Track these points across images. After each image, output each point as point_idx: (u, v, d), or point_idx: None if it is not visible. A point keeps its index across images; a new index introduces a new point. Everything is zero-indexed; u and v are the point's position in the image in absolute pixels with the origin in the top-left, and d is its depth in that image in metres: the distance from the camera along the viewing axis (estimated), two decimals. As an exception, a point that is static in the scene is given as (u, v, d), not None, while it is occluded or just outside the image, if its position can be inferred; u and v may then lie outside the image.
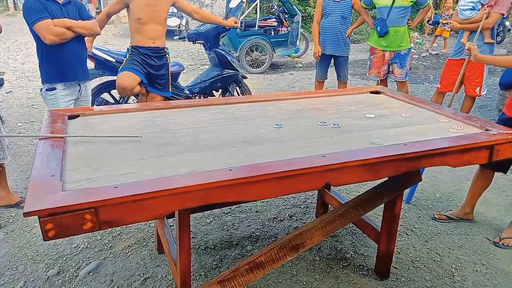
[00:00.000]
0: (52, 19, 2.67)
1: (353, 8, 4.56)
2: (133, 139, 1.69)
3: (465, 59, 3.94)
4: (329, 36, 4.59)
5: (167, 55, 3.62)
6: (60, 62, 2.82)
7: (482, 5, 3.77)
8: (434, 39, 10.54)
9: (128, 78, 3.41)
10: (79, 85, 3.00)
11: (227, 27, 4.14)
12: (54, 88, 2.87)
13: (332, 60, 4.79)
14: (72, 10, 2.83)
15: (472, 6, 3.83)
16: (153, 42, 3.47)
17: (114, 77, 3.88)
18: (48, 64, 2.83)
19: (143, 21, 3.38)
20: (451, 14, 8.63)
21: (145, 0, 3.35)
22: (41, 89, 2.94)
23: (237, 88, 4.52)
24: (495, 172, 2.62)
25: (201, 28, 4.44)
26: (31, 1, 2.67)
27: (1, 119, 2.74)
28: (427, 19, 9.87)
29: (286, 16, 9.04)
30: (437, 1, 12.39)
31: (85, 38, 3.17)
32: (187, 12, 3.73)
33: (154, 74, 3.56)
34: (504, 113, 2.47)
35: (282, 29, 9.26)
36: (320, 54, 4.69)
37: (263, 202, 2.96)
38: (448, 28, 9.36)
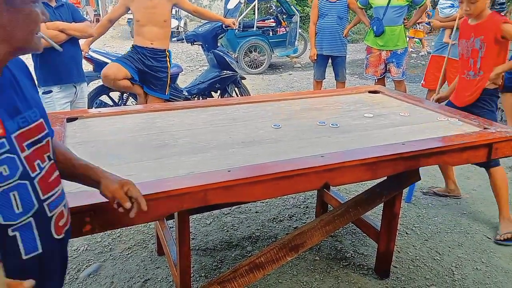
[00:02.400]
0: (44, 22, 2.68)
1: (349, 8, 4.56)
2: (132, 142, 1.69)
3: (444, 56, 3.96)
4: (327, 37, 4.57)
5: (167, 57, 3.60)
6: (55, 64, 2.82)
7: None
8: (410, 41, 10.07)
9: (112, 68, 3.44)
10: (75, 87, 3.00)
11: (226, 27, 4.13)
12: (50, 91, 2.87)
13: (330, 60, 4.78)
14: (65, 13, 2.84)
15: (451, 4, 3.86)
16: (151, 43, 3.48)
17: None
18: (43, 67, 2.84)
19: (141, 23, 3.43)
20: (427, 14, 8.52)
21: (143, 3, 3.38)
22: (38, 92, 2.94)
23: (236, 89, 4.52)
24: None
25: (199, 29, 4.44)
26: None
27: None
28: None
29: (284, 16, 9.04)
30: (435, 0, 12.42)
31: (84, 40, 3.20)
32: (188, 11, 3.77)
33: (151, 74, 3.55)
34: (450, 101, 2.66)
35: (281, 29, 9.27)
36: (315, 57, 4.67)
37: (263, 202, 2.96)
38: (421, 28, 9.19)
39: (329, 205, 2.66)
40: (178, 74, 4.32)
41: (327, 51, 4.64)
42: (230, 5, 6.80)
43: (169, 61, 3.63)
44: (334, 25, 4.52)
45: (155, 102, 3.59)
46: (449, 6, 3.87)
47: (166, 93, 3.68)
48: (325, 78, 4.92)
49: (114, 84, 3.47)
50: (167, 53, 3.58)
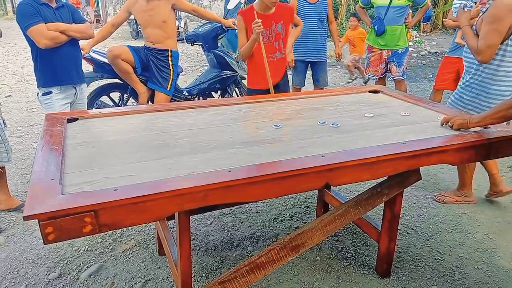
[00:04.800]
0: (45, 23, 2.69)
1: (328, 9, 4.29)
2: (132, 142, 1.69)
3: (459, 57, 3.96)
4: (308, 41, 4.24)
5: (170, 57, 3.68)
6: (55, 66, 2.83)
7: (475, 3, 3.78)
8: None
9: (119, 47, 3.62)
10: (75, 88, 3.02)
11: (226, 28, 4.16)
12: (50, 92, 2.88)
13: (310, 66, 4.47)
14: (65, 14, 2.86)
15: (465, 4, 3.83)
16: (153, 44, 3.65)
17: (113, 80, 3.89)
18: (43, 68, 2.84)
19: (143, 25, 3.64)
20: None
21: (142, 6, 3.52)
22: (38, 93, 2.95)
23: (236, 89, 4.52)
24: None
25: (200, 30, 4.44)
26: (24, 6, 2.69)
27: (4, 122, 2.76)
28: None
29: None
30: (435, 0, 12.42)
31: (86, 41, 3.25)
32: (187, 11, 3.81)
33: (155, 69, 3.67)
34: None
35: (281, 29, 9.24)
36: (294, 63, 4.27)
37: (264, 202, 2.96)
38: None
39: (329, 205, 2.66)
40: (179, 74, 4.32)
41: (308, 57, 4.33)
42: (230, 5, 6.77)
43: (172, 61, 3.69)
44: (315, 29, 4.22)
45: (161, 101, 3.67)
46: (464, 6, 3.84)
47: (168, 89, 3.75)
48: (304, 85, 4.59)
49: (116, 62, 3.55)
50: (170, 53, 3.63)
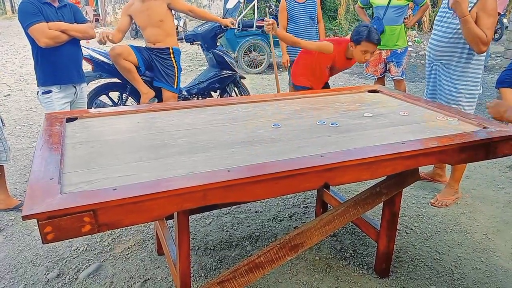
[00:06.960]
0: (47, 22, 2.69)
1: (317, 8, 4.32)
2: (131, 142, 1.69)
3: None
4: None
5: (172, 55, 3.70)
6: (55, 65, 2.83)
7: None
8: None
9: (122, 46, 3.58)
10: (75, 87, 3.02)
11: (224, 27, 4.15)
12: (50, 91, 2.88)
13: None
14: (67, 13, 2.86)
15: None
16: (154, 44, 3.65)
17: (112, 80, 3.89)
18: (43, 67, 2.84)
19: (142, 26, 3.63)
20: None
21: (138, 7, 3.53)
22: (37, 92, 2.95)
23: (235, 88, 4.52)
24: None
25: (199, 29, 4.44)
26: (26, 4, 2.69)
27: (2, 121, 2.76)
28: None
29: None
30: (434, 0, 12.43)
31: (108, 43, 3.32)
32: (183, 11, 3.81)
33: (160, 68, 3.68)
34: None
35: (280, 29, 9.23)
36: (289, 63, 4.31)
37: (263, 202, 2.96)
38: None
39: (328, 205, 2.66)
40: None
41: None
42: (230, 5, 6.77)
43: (174, 58, 3.72)
44: (307, 27, 4.24)
45: (169, 99, 3.73)
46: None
47: (175, 87, 3.77)
48: None
49: (118, 60, 3.54)
50: (171, 50, 3.64)
